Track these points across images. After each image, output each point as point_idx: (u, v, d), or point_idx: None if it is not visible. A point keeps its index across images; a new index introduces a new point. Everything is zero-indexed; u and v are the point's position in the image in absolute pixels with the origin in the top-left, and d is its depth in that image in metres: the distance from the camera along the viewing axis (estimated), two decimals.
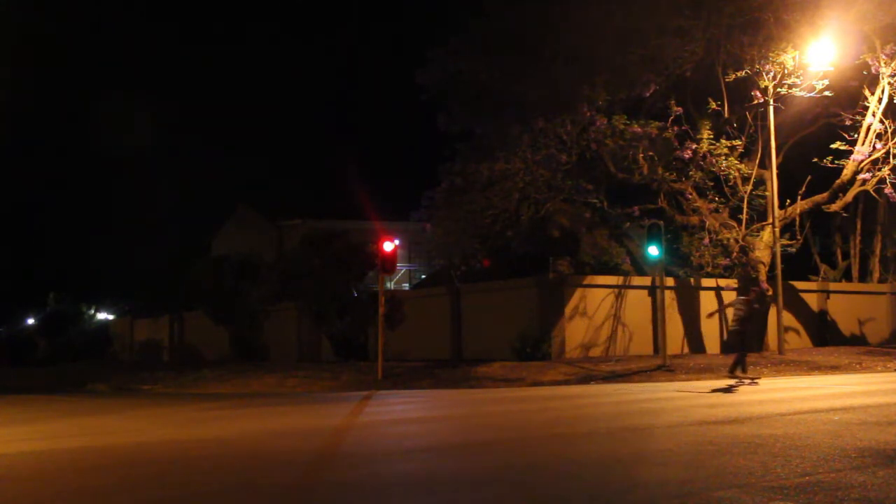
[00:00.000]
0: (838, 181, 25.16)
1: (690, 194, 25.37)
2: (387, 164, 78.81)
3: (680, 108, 24.44)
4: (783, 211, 25.45)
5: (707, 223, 25.30)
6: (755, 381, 17.61)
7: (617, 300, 26.38)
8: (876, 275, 33.56)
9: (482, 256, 31.20)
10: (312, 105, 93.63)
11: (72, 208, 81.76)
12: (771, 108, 23.75)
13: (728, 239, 25.15)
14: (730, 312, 19.38)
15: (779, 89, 23.45)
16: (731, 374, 17.91)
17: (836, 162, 24.84)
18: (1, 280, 62.98)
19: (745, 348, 18.16)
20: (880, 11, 22.80)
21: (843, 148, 24.70)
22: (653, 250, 21.49)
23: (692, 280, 27.51)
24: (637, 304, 26.57)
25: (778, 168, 24.38)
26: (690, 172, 24.67)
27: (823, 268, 34.58)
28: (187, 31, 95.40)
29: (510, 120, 24.72)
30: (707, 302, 27.54)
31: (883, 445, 7.83)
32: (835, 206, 25.81)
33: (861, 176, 24.78)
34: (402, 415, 13.78)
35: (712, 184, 25.31)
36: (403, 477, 7.33)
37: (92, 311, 48.99)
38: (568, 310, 25.49)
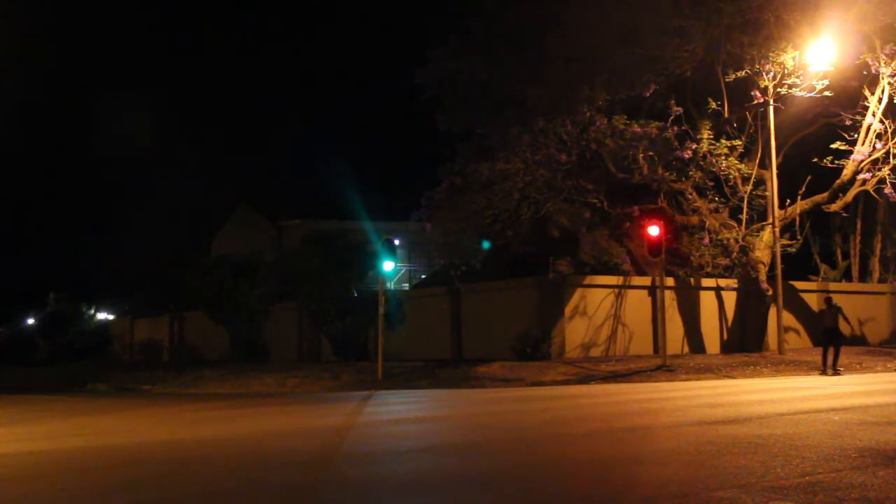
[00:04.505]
0: (838, 181, 25.15)
1: (690, 194, 25.36)
2: (387, 164, 78.86)
3: (680, 108, 24.43)
4: (783, 211, 25.44)
5: (707, 223, 25.30)
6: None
7: (617, 300, 26.37)
8: (876, 275, 33.56)
9: (482, 256, 31.26)
10: (313, 105, 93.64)
11: (72, 208, 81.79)
12: (771, 108, 23.75)
13: (728, 239, 25.14)
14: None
15: (779, 89, 23.45)
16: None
17: (836, 162, 24.83)
18: (1, 280, 63.01)
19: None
20: (880, 11, 22.79)
21: (843, 148, 24.69)
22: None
23: (692, 280, 27.50)
24: (637, 304, 26.56)
25: (778, 168, 24.38)
26: (690, 172, 24.67)
27: (823, 268, 34.57)
28: (188, 30, 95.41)
29: (510, 120, 24.71)
30: (707, 302, 27.54)
31: (883, 445, 7.83)
32: (835, 206, 25.80)
33: (861, 176, 24.77)
34: (402, 415, 13.78)
35: (712, 184, 25.31)
36: (403, 477, 7.33)
37: (92, 311, 48.94)
38: (568, 310, 25.48)
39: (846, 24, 22.81)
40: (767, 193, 25.02)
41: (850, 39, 22.94)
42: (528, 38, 25.02)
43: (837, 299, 30.00)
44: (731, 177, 25.03)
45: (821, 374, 19.70)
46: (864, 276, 33.82)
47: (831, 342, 19.98)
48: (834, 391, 14.65)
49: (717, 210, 25.66)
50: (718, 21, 23.69)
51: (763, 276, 25.14)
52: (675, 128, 24.24)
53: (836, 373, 19.59)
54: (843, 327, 29.60)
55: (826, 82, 23.11)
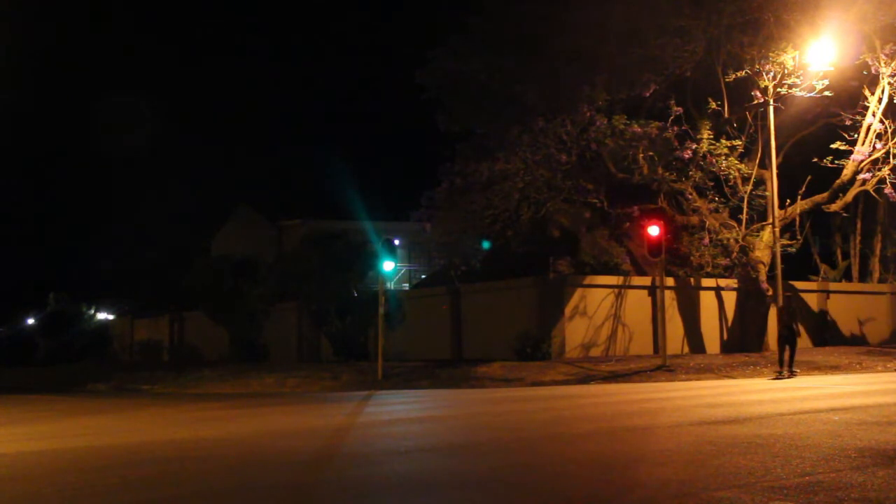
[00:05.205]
0: (838, 181, 25.15)
1: (690, 194, 25.36)
2: (387, 164, 78.88)
3: (680, 108, 24.42)
4: (783, 211, 25.43)
5: (707, 223, 25.29)
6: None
7: (617, 300, 26.38)
8: (876, 275, 33.56)
9: (482, 256, 31.25)
10: (313, 104, 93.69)
11: (72, 208, 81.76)
12: (771, 108, 23.73)
13: (728, 239, 25.14)
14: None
15: (779, 89, 23.44)
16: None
17: (836, 162, 24.84)
18: (1, 280, 62.98)
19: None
20: (880, 12, 22.80)
21: (843, 148, 24.69)
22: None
23: (692, 280, 27.50)
24: (637, 304, 26.56)
25: (778, 168, 24.35)
26: (690, 172, 24.67)
27: (823, 268, 34.56)
28: (188, 30, 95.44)
29: (510, 120, 24.71)
30: (707, 302, 27.54)
31: (883, 445, 7.83)
32: (835, 206, 25.80)
33: (861, 176, 24.78)
34: (402, 415, 13.79)
35: (712, 184, 25.30)
36: (403, 477, 7.33)
37: (92, 311, 48.92)
38: (568, 310, 25.49)
39: (846, 24, 22.81)
40: (767, 193, 25.01)
41: (850, 39, 22.93)
42: (528, 38, 25.03)
43: (837, 299, 30.24)
44: (731, 177, 25.03)
45: (777, 375, 18.94)
46: (864, 276, 33.82)
47: (787, 342, 19.24)
48: (834, 391, 14.66)
49: (717, 210, 25.66)
50: (718, 21, 23.69)
51: (763, 276, 25.14)
52: (675, 128, 24.24)
53: (791, 374, 18.89)
54: (843, 327, 29.79)
55: (826, 82, 23.10)
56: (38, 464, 9.03)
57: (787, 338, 19.26)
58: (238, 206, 51.23)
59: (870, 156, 24.39)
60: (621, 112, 24.21)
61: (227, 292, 31.94)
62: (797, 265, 30.24)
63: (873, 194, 25.73)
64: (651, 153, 24.49)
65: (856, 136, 24.51)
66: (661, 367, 20.97)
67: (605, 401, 14.24)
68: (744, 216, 25.28)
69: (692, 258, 26.29)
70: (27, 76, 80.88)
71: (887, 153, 24.23)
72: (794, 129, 26.47)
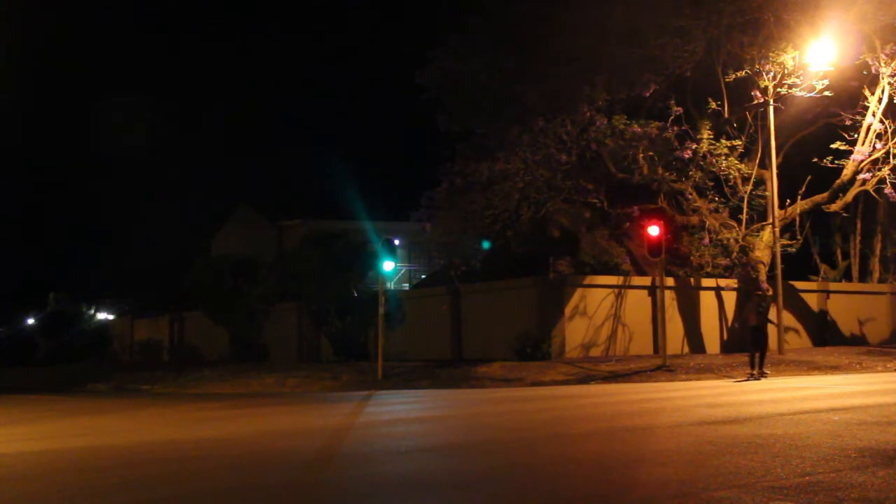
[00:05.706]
0: (838, 181, 25.16)
1: (690, 194, 25.37)
2: (387, 164, 78.90)
3: (680, 108, 24.43)
4: (783, 211, 25.44)
5: (707, 223, 25.30)
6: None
7: (617, 300, 26.36)
8: (876, 275, 33.55)
9: (482, 256, 31.25)
10: (313, 105, 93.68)
11: (72, 208, 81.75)
12: (771, 108, 23.75)
13: (728, 239, 25.15)
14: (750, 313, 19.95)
15: (779, 89, 23.45)
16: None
17: (836, 162, 24.85)
18: (1, 280, 62.96)
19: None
20: (880, 12, 22.81)
21: (843, 148, 24.71)
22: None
23: (692, 280, 27.50)
24: (637, 304, 26.55)
25: (778, 168, 24.37)
26: (690, 172, 24.68)
27: (823, 268, 34.55)
28: (188, 30, 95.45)
29: (510, 120, 24.72)
30: (707, 302, 27.53)
31: (883, 445, 7.83)
32: (835, 206, 25.81)
33: (861, 176, 24.79)
34: (402, 415, 13.79)
35: (712, 184, 25.31)
36: (403, 477, 7.33)
37: (92, 311, 48.87)
38: (568, 310, 25.48)
39: (846, 24, 22.82)
40: (767, 193, 25.02)
41: (850, 39, 22.95)
42: (528, 38, 25.04)
43: (837, 299, 30.21)
44: (731, 177, 25.03)
45: (748, 377, 18.54)
46: (864, 276, 33.81)
47: (757, 343, 18.67)
48: (834, 391, 14.66)
49: (717, 210, 25.67)
50: (718, 21, 23.70)
51: (763, 276, 25.13)
52: (675, 128, 24.24)
53: (762, 375, 18.45)
54: (843, 327, 29.78)
55: (826, 82, 23.11)
56: (38, 464, 9.03)
57: (758, 338, 18.82)
58: (238, 206, 51.24)
59: (870, 156, 24.40)
60: (621, 112, 24.22)
61: (227, 292, 31.94)
62: (797, 265, 30.22)
63: (873, 194, 25.73)
64: (651, 153, 24.50)
65: (856, 136, 24.52)
66: (661, 367, 20.97)
67: (605, 401, 14.24)
68: (744, 216, 25.29)
69: (692, 258, 26.30)
70: (27, 76, 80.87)
71: (887, 153, 24.24)
72: (794, 129, 26.47)
